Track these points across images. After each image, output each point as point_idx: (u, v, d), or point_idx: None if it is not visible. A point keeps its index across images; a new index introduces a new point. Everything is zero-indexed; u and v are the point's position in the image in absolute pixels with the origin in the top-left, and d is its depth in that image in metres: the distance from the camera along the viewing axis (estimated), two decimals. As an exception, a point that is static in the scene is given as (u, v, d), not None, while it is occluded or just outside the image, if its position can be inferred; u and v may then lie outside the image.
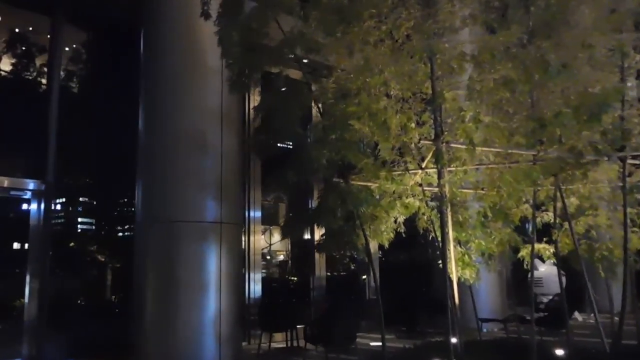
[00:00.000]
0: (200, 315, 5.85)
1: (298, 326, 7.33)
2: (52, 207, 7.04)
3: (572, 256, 5.20)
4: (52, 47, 7.31)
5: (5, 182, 6.71)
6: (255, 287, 8.19)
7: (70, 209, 7.98)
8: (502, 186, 4.78)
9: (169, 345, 5.74)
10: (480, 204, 5.25)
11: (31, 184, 6.80)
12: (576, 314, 10.11)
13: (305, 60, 5.13)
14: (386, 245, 5.35)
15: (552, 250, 5.33)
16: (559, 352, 4.83)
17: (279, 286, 9.40)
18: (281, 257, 10.12)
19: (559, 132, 4.44)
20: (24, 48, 7.46)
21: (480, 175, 5.19)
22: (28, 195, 6.83)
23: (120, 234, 8.25)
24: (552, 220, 5.02)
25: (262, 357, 7.06)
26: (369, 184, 4.94)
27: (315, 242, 7.43)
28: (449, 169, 4.84)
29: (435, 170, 4.69)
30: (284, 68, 4.98)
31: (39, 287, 6.62)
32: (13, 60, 7.34)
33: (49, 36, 7.33)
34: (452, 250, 4.92)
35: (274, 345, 7.58)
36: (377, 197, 5.01)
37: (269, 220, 9.13)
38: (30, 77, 7.54)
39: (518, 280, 10.52)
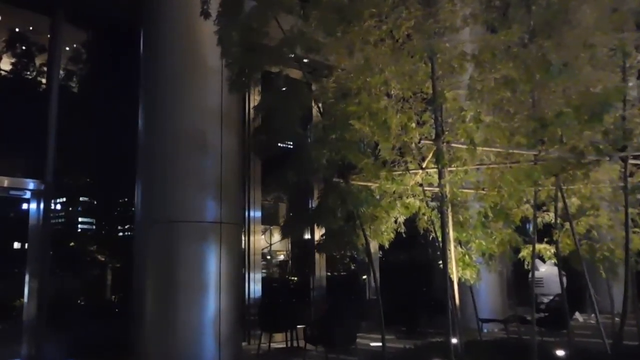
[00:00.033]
0: (200, 316, 5.84)
1: (298, 326, 7.31)
2: (52, 207, 7.03)
3: (573, 257, 5.19)
4: (51, 46, 7.30)
5: (5, 181, 6.70)
6: (255, 287, 8.17)
7: (70, 208, 7.98)
8: (503, 186, 4.77)
9: (169, 345, 5.73)
10: (481, 204, 5.24)
11: (31, 184, 6.79)
12: (577, 315, 10.10)
13: (305, 60, 5.12)
14: (386, 245, 5.34)
15: (553, 250, 5.32)
16: (560, 352, 4.82)
17: (279, 286, 9.39)
18: (281, 257, 10.11)
19: (560, 132, 4.43)
20: (23, 47, 7.45)
21: (481, 175, 5.18)
22: (27, 195, 6.82)
23: (121, 233, 8.24)
24: (553, 221, 5.01)
25: (261, 358, 7.05)
26: (369, 184, 4.93)
27: (316, 242, 7.43)
28: (449, 169, 4.83)
29: (435, 170, 4.68)
30: (284, 68, 4.97)
31: (38, 287, 6.61)
32: (13, 60, 7.33)
33: (48, 36, 7.32)
34: (452, 251, 4.91)
35: (273, 345, 7.57)
36: (378, 197, 5.00)
37: (269, 220, 9.12)
38: (30, 77, 7.53)
39: (518, 281, 10.50)
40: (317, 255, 9.02)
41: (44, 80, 7.34)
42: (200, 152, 6.05)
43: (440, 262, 4.56)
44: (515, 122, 4.56)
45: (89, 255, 7.82)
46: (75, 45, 8.00)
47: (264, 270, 8.75)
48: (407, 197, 5.14)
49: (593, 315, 5.24)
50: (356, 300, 9.81)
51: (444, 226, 4.49)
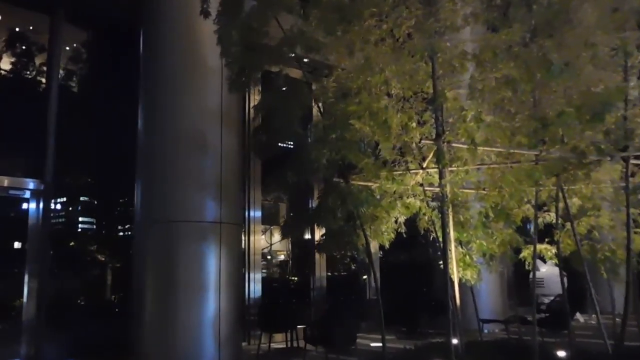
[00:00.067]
0: (199, 316, 5.82)
1: (298, 327, 7.30)
2: (52, 207, 7.02)
3: (574, 257, 5.18)
4: (51, 46, 7.29)
5: (5, 181, 6.70)
6: (255, 287, 8.17)
7: (70, 208, 7.97)
8: (504, 186, 4.75)
9: (169, 345, 5.72)
10: (482, 204, 5.23)
11: (30, 184, 6.78)
12: (578, 315, 10.08)
13: (305, 59, 5.10)
14: (387, 245, 5.32)
15: (554, 251, 5.30)
16: (561, 353, 4.80)
17: (279, 286, 9.38)
18: (281, 257, 10.09)
19: (562, 132, 4.42)
20: (23, 47, 7.44)
21: (482, 175, 5.16)
22: (27, 194, 6.81)
23: (121, 233, 8.23)
24: (554, 221, 4.99)
25: (261, 358, 7.04)
26: (370, 183, 4.91)
27: (316, 242, 7.41)
28: (450, 168, 4.81)
29: (436, 170, 4.66)
30: (284, 67, 4.95)
31: (37, 286, 6.60)
32: (13, 60, 7.32)
33: (48, 35, 7.31)
34: (453, 251, 4.89)
35: (273, 345, 7.56)
36: (378, 197, 4.98)
37: (269, 220, 9.11)
38: (30, 77, 7.52)
39: (519, 281, 10.49)
40: (317, 256, 9.02)
41: (43, 80, 7.33)
42: (200, 152, 6.04)
43: (441, 262, 4.55)
44: (516, 121, 4.55)
45: (88, 255, 7.81)
46: (75, 45, 7.99)
47: (264, 270, 8.74)
48: (407, 197, 5.12)
49: (594, 315, 5.22)
50: (356, 300, 9.80)
51: (444, 226, 4.47)
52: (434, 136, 4.49)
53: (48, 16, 7.27)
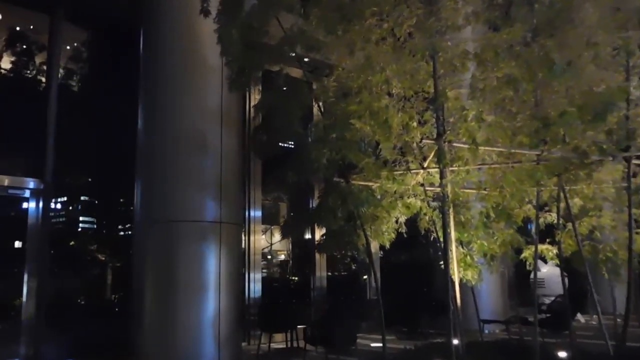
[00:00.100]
0: (199, 316, 5.81)
1: (298, 327, 7.29)
2: (52, 206, 7.01)
3: (575, 257, 5.16)
4: (51, 45, 7.28)
5: (5, 180, 6.68)
6: (255, 287, 8.15)
7: (70, 208, 7.96)
8: (505, 186, 4.73)
9: (169, 345, 5.71)
10: (483, 204, 5.21)
11: (30, 183, 6.77)
12: (579, 316, 10.06)
13: (306, 59, 5.09)
14: (387, 245, 5.31)
15: (555, 251, 5.29)
16: (562, 354, 4.78)
17: (279, 286, 9.37)
18: (281, 257, 10.08)
19: (563, 132, 4.40)
20: (23, 46, 7.43)
21: (483, 175, 5.15)
22: (27, 194, 6.80)
23: (121, 233, 8.22)
24: (556, 221, 4.97)
25: (261, 358, 7.02)
26: (370, 183, 4.90)
27: (316, 242, 7.40)
28: (451, 168, 4.80)
29: (437, 170, 4.65)
30: (284, 66, 4.94)
31: (37, 286, 6.59)
32: (12, 59, 7.31)
33: (48, 35, 7.30)
34: (454, 251, 4.88)
35: (273, 346, 7.54)
36: (378, 197, 4.98)
37: (269, 220, 9.10)
38: (30, 76, 7.51)
39: (520, 282, 10.47)
40: (317, 255, 9.00)
41: (43, 79, 7.32)
42: (200, 151, 6.03)
43: (442, 262, 4.53)
44: (517, 121, 4.53)
45: (88, 255, 7.80)
46: (75, 45, 7.98)
47: (264, 270, 8.72)
48: (408, 197, 5.11)
49: (595, 316, 5.20)
50: (357, 300, 9.78)
51: (445, 226, 4.46)
52: (434, 136, 4.48)
53: (48, 15, 7.25)
